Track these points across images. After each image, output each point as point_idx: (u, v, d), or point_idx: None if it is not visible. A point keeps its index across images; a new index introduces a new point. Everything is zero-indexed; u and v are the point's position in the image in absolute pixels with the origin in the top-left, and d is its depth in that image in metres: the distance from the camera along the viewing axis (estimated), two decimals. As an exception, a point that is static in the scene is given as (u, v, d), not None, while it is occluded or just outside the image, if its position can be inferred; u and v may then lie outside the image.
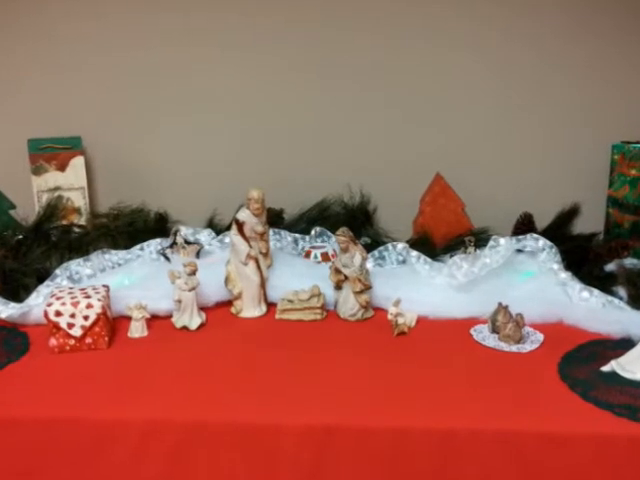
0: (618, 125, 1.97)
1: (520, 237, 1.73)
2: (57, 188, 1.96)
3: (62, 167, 1.96)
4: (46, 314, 1.48)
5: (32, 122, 2.02)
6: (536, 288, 1.64)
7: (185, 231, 1.86)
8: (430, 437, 1.23)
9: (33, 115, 2.03)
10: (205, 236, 1.90)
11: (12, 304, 1.61)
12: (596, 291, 1.61)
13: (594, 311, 1.57)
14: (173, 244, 1.80)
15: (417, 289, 1.65)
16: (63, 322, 1.47)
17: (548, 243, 1.71)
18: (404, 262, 1.77)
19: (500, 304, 1.54)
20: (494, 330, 1.53)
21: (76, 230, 1.90)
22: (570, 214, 1.91)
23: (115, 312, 1.58)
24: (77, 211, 1.98)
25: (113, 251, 1.80)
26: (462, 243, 1.77)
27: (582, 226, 1.91)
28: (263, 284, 1.66)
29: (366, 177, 2.00)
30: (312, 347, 1.50)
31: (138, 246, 1.82)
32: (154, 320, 1.59)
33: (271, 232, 1.79)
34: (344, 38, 1.98)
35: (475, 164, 2.04)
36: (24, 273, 1.71)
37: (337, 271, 1.62)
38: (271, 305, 1.67)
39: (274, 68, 2.01)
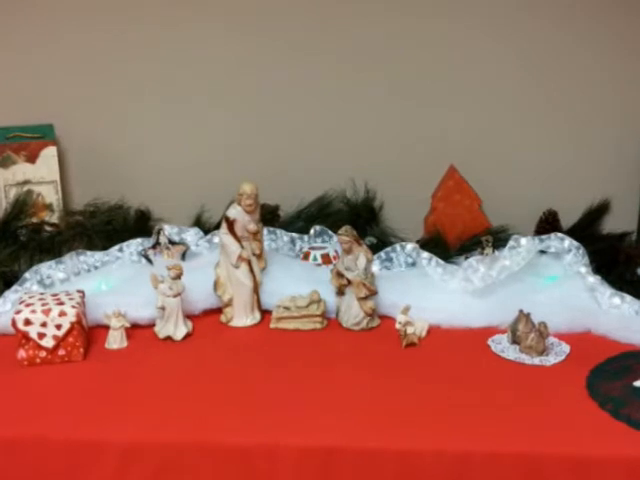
0: (652, 113, 1.98)
1: (543, 237, 1.73)
2: (26, 182, 1.96)
3: (32, 158, 1.96)
4: (14, 323, 1.48)
5: (-2, 108, 2.03)
6: (561, 294, 1.64)
7: (169, 230, 1.86)
8: (441, 461, 1.23)
9: (-1, 100, 2.04)
10: (191, 236, 1.89)
11: (-24, 311, 1.61)
12: (628, 297, 1.61)
13: (626, 319, 1.57)
14: (156, 244, 1.80)
15: (428, 295, 1.65)
16: (33, 332, 1.47)
17: (575, 243, 1.71)
18: (414, 265, 1.77)
19: (521, 312, 1.54)
20: (514, 341, 1.53)
21: (47, 229, 1.90)
22: (599, 211, 1.92)
23: (91, 321, 1.58)
24: (49, 207, 1.98)
25: (89, 252, 1.80)
26: (479, 243, 1.77)
27: (612, 225, 1.91)
28: (256, 289, 1.66)
29: (371, 170, 2.00)
30: (311, 360, 1.50)
31: (117, 247, 1.82)
32: (134, 329, 1.59)
33: (265, 231, 1.79)
34: (345, 19, 1.97)
35: (493, 156, 2.04)
36: (-11, 277, 1.72)
37: (339, 275, 1.62)
38: (265, 313, 1.67)
39: (268, 50, 2.00)
